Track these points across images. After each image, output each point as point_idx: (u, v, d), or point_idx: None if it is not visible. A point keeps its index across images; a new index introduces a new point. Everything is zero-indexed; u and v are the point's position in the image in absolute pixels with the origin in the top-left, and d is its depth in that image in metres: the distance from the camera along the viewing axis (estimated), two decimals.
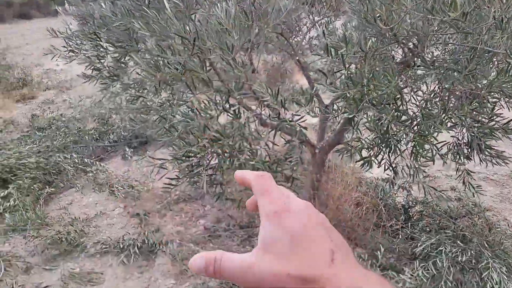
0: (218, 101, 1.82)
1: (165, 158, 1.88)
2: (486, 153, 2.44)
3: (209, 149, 1.79)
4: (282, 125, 1.89)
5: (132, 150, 4.62)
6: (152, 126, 2.20)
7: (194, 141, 1.75)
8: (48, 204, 3.66)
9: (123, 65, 2.16)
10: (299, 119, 1.93)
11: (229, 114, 1.85)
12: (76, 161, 4.16)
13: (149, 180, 3.99)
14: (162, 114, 1.93)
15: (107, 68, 2.17)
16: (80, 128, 4.90)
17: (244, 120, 1.97)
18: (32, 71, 8.30)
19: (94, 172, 4.07)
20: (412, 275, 2.65)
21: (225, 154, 1.91)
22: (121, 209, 3.61)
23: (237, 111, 1.85)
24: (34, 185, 3.68)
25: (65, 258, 2.94)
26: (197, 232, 3.22)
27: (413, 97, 2.29)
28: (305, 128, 1.88)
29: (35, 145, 4.26)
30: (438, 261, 2.71)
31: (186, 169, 1.86)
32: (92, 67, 2.15)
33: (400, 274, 2.60)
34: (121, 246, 2.98)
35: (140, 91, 2.35)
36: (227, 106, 1.84)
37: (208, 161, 1.89)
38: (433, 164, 1.98)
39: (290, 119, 1.92)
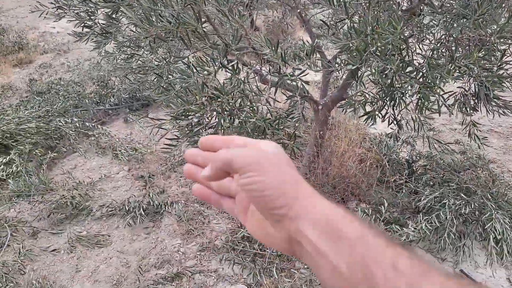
0: (215, 56, 1.74)
1: (165, 118, 1.84)
2: (493, 103, 2.37)
3: (208, 107, 1.73)
4: (283, 80, 1.83)
5: (133, 112, 4.57)
6: (150, 86, 2.14)
7: (192, 99, 1.69)
8: (52, 169, 3.67)
9: (115, 21, 2.06)
10: (300, 73, 1.85)
11: (227, 70, 1.78)
12: (78, 125, 4.12)
13: (152, 142, 3.97)
14: (158, 72, 1.87)
15: (99, 25, 2.08)
16: (79, 91, 4.82)
17: (244, 76, 1.90)
18: (28, 34, 8.09)
19: (97, 135, 4.05)
20: (415, 228, 2.67)
21: (225, 112, 1.86)
22: (125, 172, 3.62)
23: (235, 67, 1.78)
24: (36, 151, 3.67)
25: (71, 222, 2.98)
26: None
27: (419, 47, 2.20)
28: (307, 83, 1.81)
29: (34, 110, 4.21)
30: (441, 214, 2.73)
31: (186, 128, 1.82)
32: (83, 25, 2.06)
33: (403, 228, 2.63)
34: (127, 208, 3.00)
35: (136, 49, 2.27)
36: (225, 62, 1.76)
37: (208, 120, 1.84)
38: (439, 115, 1.93)
39: (291, 74, 1.84)
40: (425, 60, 2.09)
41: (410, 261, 0.38)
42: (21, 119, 3.91)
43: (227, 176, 0.48)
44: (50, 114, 4.23)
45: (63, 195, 3.08)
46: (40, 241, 2.83)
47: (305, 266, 2.44)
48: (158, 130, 1.90)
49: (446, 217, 2.72)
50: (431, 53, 2.19)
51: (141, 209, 2.96)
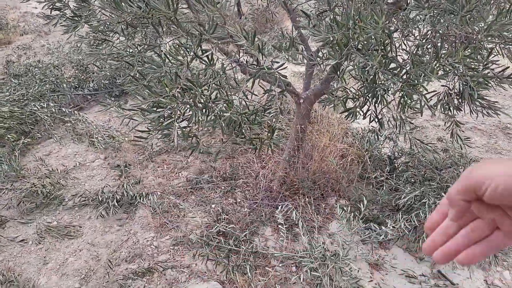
0: (189, 45, 1.64)
1: (134, 109, 1.74)
2: (478, 103, 2.33)
3: (180, 100, 1.64)
4: (261, 73, 1.73)
5: (113, 99, 4.43)
6: (123, 74, 2.03)
7: (163, 90, 1.59)
8: (25, 155, 3.53)
9: (86, 4, 1.93)
10: (279, 66, 1.76)
11: (201, 60, 1.68)
12: (54, 110, 3.98)
13: (129, 130, 3.86)
14: (129, 60, 1.76)
15: (69, 7, 1.95)
16: (58, 75, 4.65)
17: (220, 67, 1.80)
18: (8, 14, 7.80)
19: (73, 122, 3.92)
20: (394, 227, 2.64)
21: (199, 105, 1.77)
22: (101, 160, 3.50)
23: (210, 57, 1.68)
24: (9, 136, 3.52)
25: (41, 211, 2.87)
26: (179, 184, 3.15)
27: (404, 43, 2.12)
28: (285, 76, 1.73)
29: (8, 94, 4.03)
30: (421, 213, 2.69)
31: (156, 121, 1.72)
32: (51, 6, 1.92)
33: (382, 226, 2.59)
34: (100, 198, 2.90)
35: (109, 35, 2.14)
36: (199, 51, 1.66)
37: (180, 113, 1.74)
38: (421, 115, 1.87)
39: (269, 67, 1.75)
40: (409, 57, 2.02)
41: None
42: None
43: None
44: (25, 98, 4.07)
45: (34, 183, 2.96)
46: (8, 230, 2.72)
47: (280, 264, 2.39)
48: (130, 121, 1.80)
49: (426, 216, 2.69)
50: (415, 49, 2.12)
51: (115, 200, 2.86)
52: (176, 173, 3.28)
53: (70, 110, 4.04)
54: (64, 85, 4.42)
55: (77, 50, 5.17)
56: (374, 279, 2.42)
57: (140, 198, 2.92)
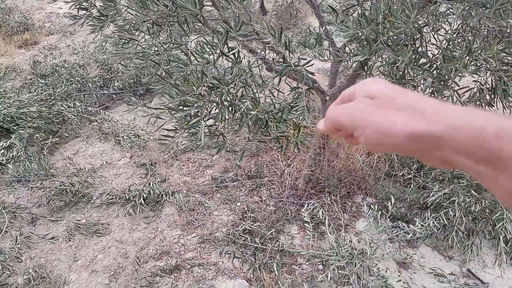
0: (215, 43, 1.64)
1: (162, 108, 1.75)
2: (511, 99, 2.24)
3: (207, 98, 1.64)
4: (288, 70, 1.71)
5: (138, 98, 4.50)
6: (149, 73, 2.04)
7: (189, 89, 1.60)
8: (53, 154, 3.62)
9: (112, 3, 1.95)
10: (306, 63, 1.74)
11: (228, 58, 1.67)
12: (80, 109, 4.06)
13: (155, 129, 3.90)
14: (155, 59, 1.77)
15: (96, 7, 1.98)
16: (83, 75, 4.74)
17: (246, 65, 1.79)
18: (34, 14, 8.00)
19: (99, 121, 3.99)
20: (422, 225, 2.58)
21: (225, 103, 1.76)
22: (127, 159, 3.56)
23: (236, 55, 1.67)
24: (37, 135, 3.62)
25: (71, 209, 2.94)
26: (204, 182, 3.17)
27: (434, 37, 2.06)
28: (312, 73, 1.70)
29: (36, 94, 4.14)
30: (450, 211, 2.62)
31: (183, 120, 1.72)
32: (78, 6, 1.96)
33: (410, 225, 2.53)
34: (127, 196, 2.95)
35: (135, 34, 2.17)
36: (226, 49, 1.66)
37: (207, 111, 1.75)
38: None
39: (296, 64, 1.73)
40: (440, 52, 1.96)
41: None
42: (22, 102, 3.85)
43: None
44: (52, 98, 4.16)
45: (63, 182, 3.03)
46: (39, 228, 2.80)
47: (307, 263, 2.37)
48: (156, 120, 1.81)
49: (455, 215, 2.62)
50: (446, 44, 2.06)
51: (142, 198, 2.90)
52: (201, 171, 3.30)
53: (96, 109, 4.12)
54: (90, 84, 4.51)
55: (102, 50, 5.26)
56: (402, 278, 2.38)
57: (166, 196, 2.95)
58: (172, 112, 1.55)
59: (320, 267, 2.37)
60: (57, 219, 2.86)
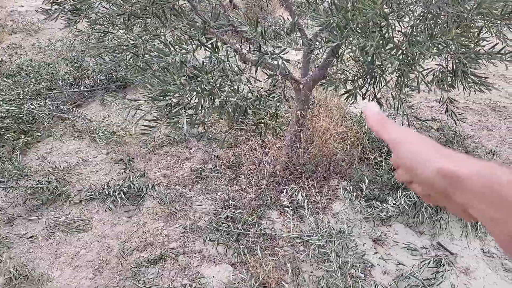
0: (193, 34, 1.69)
1: (142, 99, 1.78)
2: (470, 80, 2.41)
3: (187, 87, 1.69)
4: (264, 59, 1.79)
5: (110, 94, 4.45)
6: (126, 66, 2.06)
7: (170, 79, 1.64)
8: (26, 154, 3.55)
9: None
10: (281, 51, 1.82)
11: (206, 48, 1.72)
12: (51, 108, 3.99)
13: (131, 124, 3.89)
14: (134, 51, 1.80)
15: (69, 1, 1.97)
16: (52, 73, 4.64)
17: (223, 55, 1.85)
18: None
19: (72, 119, 3.93)
20: (394, 204, 2.73)
21: (205, 92, 1.82)
22: (104, 155, 3.54)
23: (214, 45, 1.73)
24: (8, 135, 3.54)
25: (48, 207, 2.90)
26: (183, 174, 3.20)
27: (399, 24, 2.19)
28: (287, 61, 1.78)
29: (3, 94, 4.03)
30: None
31: (165, 109, 1.77)
32: (51, 1, 1.95)
33: (383, 204, 2.68)
34: (107, 192, 2.95)
35: (109, 27, 2.18)
36: (204, 40, 1.71)
37: (188, 100, 1.80)
38: (418, 92, 1.94)
39: (272, 52, 1.81)
40: (405, 37, 2.09)
41: None
42: None
43: None
44: (21, 97, 4.07)
45: (39, 181, 2.99)
46: (17, 228, 2.76)
47: (288, 244, 2.47)
48: (136, 112, 1.84)
49: None
50: (410, 30, 2.19)
51: (122, 193, 2.91)
52: (180, 164, 3.34)
53: (68, 107, 4.06)
54: (60, 82, 4.42)
55: (70, 47, 5.16)
56: (379, 253, 2.52)
57: (146, 190, 2.97)
58: (155, 102, 1.59)
59: (301, 248, 2.47)
60: (35, 218, 2.82)
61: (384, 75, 2.10)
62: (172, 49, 1.70)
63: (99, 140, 3.61)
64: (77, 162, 3.42)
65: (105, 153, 3.55)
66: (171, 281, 2.32)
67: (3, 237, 2.63)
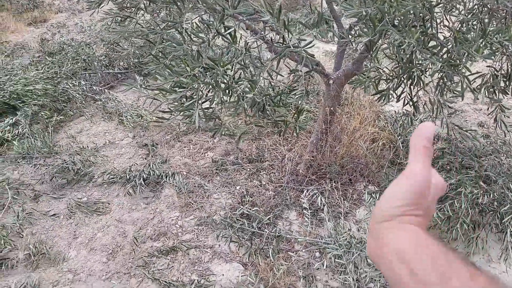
0: (211, 22, 1.56)
1: (154, 89, 1.69)
2: None
3: (202, 80, 1.58)
4: (287, 51, 1.64)
5: (142, 78, 4.44)
6: (146, 52, 1.98)
7: (183, 70, 1.54)
8: (58, 132, 3.62)
9: None
10: (307, 44, 1.66)
11: (224, 38, 1.60)
12: (85, 88, 4.04)
13: (152, 111, 3.86)
14: (151, 38, 1.70)
15: None
16: (89, 53, 4.70)
17: (244, 45, 1.72)
18: None
19: (104, 100, 3.96)
20: None
21: (221, 86, 1.70)
22: (130, 139, 3.54)
23: (233, 34, 1.60)
24: (42, 113, 3.61)
25: (72, 187, 2.94)
26: (204, 164, 3.13)
27: (446, 18, 1.95)
28: (312, 55, 1.62)
29: (41, 71, 4.12)
30: (455, 202, 2.54)
31: (179, 101, 1.67)
32: None
33: None
34: (128, 177, 2.94)
35: (133, 11, 2.10)
36: (222, 29, 1.58)
37: (202, 93, 1.69)
38: (462, 99, 1.71)
39: (296, 45, 1.65)
40: (452, 34, 1.85)
41: (487, 279, 0.42)
42: (28, 79, 3.84)
43: None
44: (58, 76, 4.15)
45: (65, 160, 3.03)
46: (41, 204, 2.81)
47: (304, 250, 2.33)
48: (152, 101, 1.77)
49: (461, 206, 2.54)
50: (459, 25, 1.94)
51: (142, 179, 2.88)
52: (202, 153, 3.27)
53: (100, 88, 4.09)
54: (95, 63, 4.47)
55: (108, 28, 5.20)
56: None
57: (166, 178, 2.93)
58: (166, 94, 1.50)
59: (317, 254, 2.33)
60: (59, 196, 2.87)
61: (423, 76, 1.88)
62: (187, 38, 1.59)
63: (127, 123, 3.61)
64: (104, 144, 3.44)
65: (131, 136, 3.55)
66: (180, 274, 2.27)
67: (27, 213, 2.69)
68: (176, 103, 1.65)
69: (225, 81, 1.73)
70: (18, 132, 3.40)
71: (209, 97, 1.74)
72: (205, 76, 1.60)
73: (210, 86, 1.66)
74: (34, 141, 3.28)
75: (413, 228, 0.49)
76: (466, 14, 1.99)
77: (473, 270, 0.42)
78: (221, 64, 1.61)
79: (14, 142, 3.28)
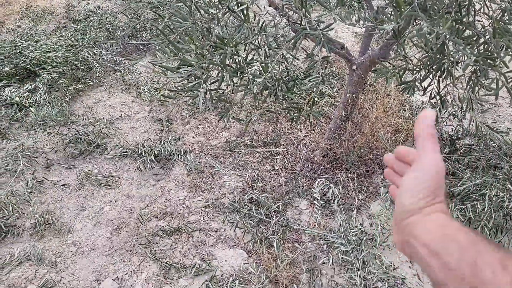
0: None
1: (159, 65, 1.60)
2: None
3: (209, 59, 1.47)
4: (302, 34, 1.50)
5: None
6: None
7: (189, 48, 1.43)
8: (76, 101, 3.61)
9: None
10: (326, 27, 1.52)
11: (235, 15, 1.48)
12: (105, 58, 4.00)
13: (161, 87, 3.79)
14: (158, 11, 1.60)
15: None
16: (113, 23, 4.64)
17: (258, 23, 1.59)
18: None
19: (123, 71, 3.92)
20: None
21: (232, 66, 1.59)
22: (146, 112, 3.49)
23: (245, 11, 1.47)
24: (61, 80, 3.60)
25: (84, 158, 2.94)
26: (218, 144, 3.06)
27: (486, 5, 1.75)
28: (330, 40, 1.48)
29: (63, 38, 4.10)
30: (478, 204, 2.38)
31: (186, 80, 1.57)
32: None
33: None
34: (140, 151, 2.90)
35: None
36: (233, 4, 1.46)
37: (210, 74, 1.58)
38: (496, 99, 1.54)
39: (314, 27, 1.51)
40: (491, 24, 1.66)
41: None
42: (50, 46, 3.82)
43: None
44: (80, 44, 4.12)
45: (78, 130, 3.02)
46: (53, 174, 2.83)
47: (311, 242, 2.25)
48: (160, 77, 1.68)
49: (484, 208, 2.38)
50: (500, 14, 1.74)
51: (153, 155, 2.84)
52: (217, 132, 3.19)
53: (120, 59, 4.04)
54: (118, 33, 4.41)
55: None
56: (414, 270, 2.22)
57: (178, 155, 2.88)
58: (166, 72, 1.40)
59: (325, 247, 2.24)
60: (71, 166, 2.87)
61: (454, 69, 1.71)
62: (197, 13, 1.47)
63: (144, 96, 3.56)
64: (120, 116, 3.42)
65: (147, 110, 3.50)
66: (183, 256, 2.24)
67: (38, 181, 2.71)
68: (183, 82, 1.56)
69: (236, 61, 1.62)
70: (36, 99, 3.40)
71: (217, 78, 1.63)
72: (213, 55, 1.49)
73: (218, 67, 1.55)
74: (51, 109, 3.29)
75: (439, 216, 0.50)
76: (510, 2, 1.78)
77: (503, 256, 0.43)
78: (231, 43, 1.49)
79: (31, 108, 3.29)
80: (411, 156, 0.59)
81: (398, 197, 0.55)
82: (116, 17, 4.77)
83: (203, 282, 2.08)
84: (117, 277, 2.18)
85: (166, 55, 1.37)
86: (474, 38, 1.66)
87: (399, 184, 0.61)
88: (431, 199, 0.52)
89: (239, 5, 1.47)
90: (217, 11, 1.47)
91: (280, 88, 1.62)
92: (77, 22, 4.89)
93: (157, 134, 3.19)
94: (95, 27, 4.46)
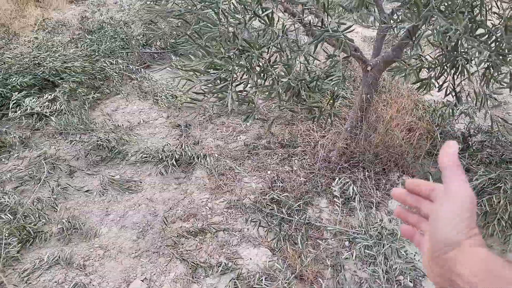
0: (248, 2, 1.53)
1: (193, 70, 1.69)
2: None
3: (236, 62, 1.56)
4: (325, 35, 1.58)
5: (178, 58, 4.48)
6: (183, 32, 1.97)
7: (218, 51, 1.52)
8: (94, 110, 3.72)
9: None
10: (346, 29, 1.60)
11: (261, 20, 1.56)
12: (122, 67, 4.11)
13: (185, 92, 3.89)
14: (186, 17, 1.69)
15: None
16: (127, 32, 4.77)
17: (280, 28, 1.68)
18: None
19: (140, 79, 4.03)
20: None
21: (256, 68, 1.67)
22: (164, 119, 3.59)
23: (270, 16, 1.56)
24: (80, 90, 3.72)
25: (106, 164, 3.02)
26: (236, 147, 3.14)
27: (497, 4, 1.82)
28: (351, 40, 1.56)
29: (79, 49, 4.23)
30: (494, 197, 2.43)
31: (212, 83, 1.66)
32: None
33: None
34: (160, 156, 2.99)
35: None
36: (259, 10, 1.55)
37: (237, 76, 1.67)
38: (510, 91, 1.61)
39: (335, 29, 1.59)
40: (502, 21, 1.73)
41: None
42: (68, 57, 3.95)
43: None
44: (96, 54, 4.24)
45: (100, 138, 3.12)
46: (76, 180, 2.91)
47: (333, 238, 2.31)
48: (186, 82, 1.76)
49: (499, 202, 2.43)
50: (510, 12, 1.81)
51: (174, 159, 2.93)
52: (235, 136, 3.27)
53: (137, 67, 4.16)
54: (133, 42, 4.53)
55: (146, 7, 5.24)
56: None
57: (198, 159, 2.96)
58: (198, 75, 1.49)
59: (347, 243, 2.30)
60: (93, 173, 2.96)
61: (468, 65, 1.78)
62: (224, 19, 1.56)
63: (161, 103, 3.66)
64: (138, 123, 3.51)
65: (165, 116, 3.60)
66: (208, 256, 2.31)
67: (62, 188, 2.80)
68: (210, 85, 1.64)
69: (260, 64, 1.70)
70: (56, 108, 3.51)
71: (243, 80, 1.72)
72: (240, 58, 1.58)
73: (245, 69, 1.63)
74: (71, 118, 3.39)
75: (484, 253, 0.50)
76: None
77: None
78: (257, 46, 1.58)
79: (51, 118, 3.40)
80: (424, 187, 0.59)
81: (434, 230, 0.54)
82: (130, 27, 4.90)
83: (230, 280, 2.14)
84: (145, 278, 2.25)
85: (198, 59, 1.45)
86: (486, 36, 1.73)
87: (412, 223, 0.62)
88: (468, 230, 0.51)
89: (264, 10, 1.56)
90: (244, 16, 1.56)
91: (303, 88, 1.70)
92: (91, 33, 5.03)
93: (176, 139, 3.28)
94: (110, 37, 4.58)
